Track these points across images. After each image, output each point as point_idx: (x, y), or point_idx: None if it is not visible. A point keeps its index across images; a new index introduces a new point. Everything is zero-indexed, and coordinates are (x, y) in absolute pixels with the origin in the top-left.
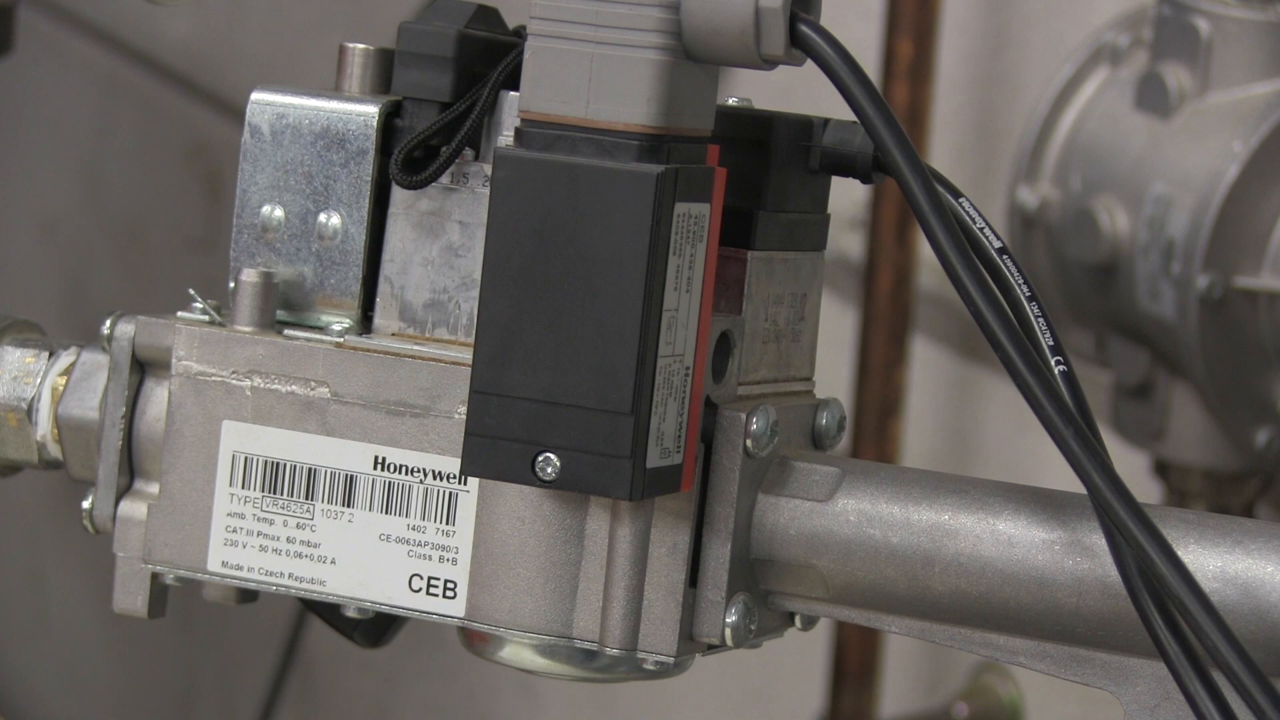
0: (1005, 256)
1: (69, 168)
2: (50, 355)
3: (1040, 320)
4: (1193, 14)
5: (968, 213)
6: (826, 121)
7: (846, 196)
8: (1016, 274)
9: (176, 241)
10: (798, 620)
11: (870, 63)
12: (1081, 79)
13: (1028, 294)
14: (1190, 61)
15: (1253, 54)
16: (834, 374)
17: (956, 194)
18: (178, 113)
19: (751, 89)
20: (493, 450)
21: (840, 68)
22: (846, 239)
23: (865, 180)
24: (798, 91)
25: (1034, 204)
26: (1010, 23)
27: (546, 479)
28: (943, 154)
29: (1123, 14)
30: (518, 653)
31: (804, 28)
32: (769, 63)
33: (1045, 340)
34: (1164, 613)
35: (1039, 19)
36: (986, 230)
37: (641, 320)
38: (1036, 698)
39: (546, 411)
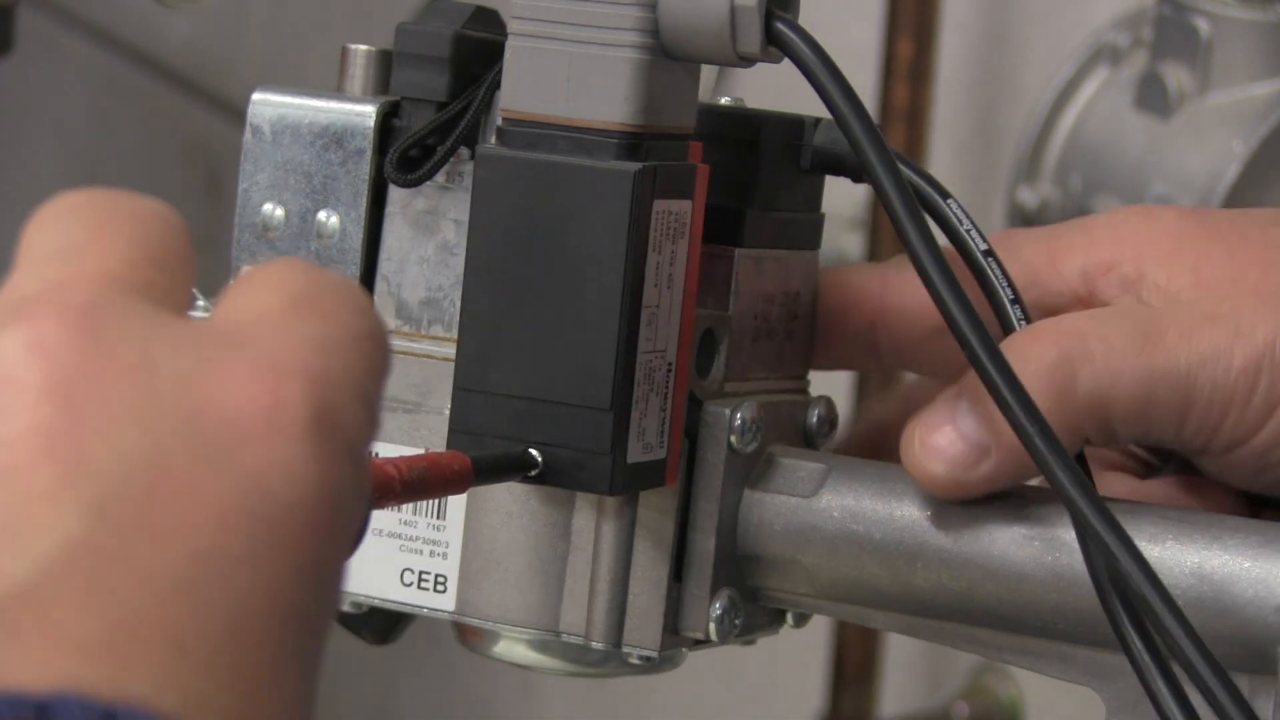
0: (990, 259)
1: (69, 168)
2: None
3: (1023, 324)
4: (1193, 14)
5: (955, 214)
6: (818, 121)
7: (847, 196)
8: (1001, 277)
9: None
10: (790, 618)
11: (870, 63)
12: (1081, 79)
13: (1011, 297)
14: (1190, 61)
15: (1253, 54)
16: (834, 374)
17: (945, 195)
18: (178, 113)
19: (751, 89)
20: (476, 447)
21: (815, 65)
22: (847, 239)
23: (856, 179)
24: (797, 92)
25: (1034, 204)
26: (1010, 22)
27: (529, 475)
28: (943, 154)
29: (1123, 14)
30: (511, 648)
31: (780, 25)
32: (746, 60)
33: None
34: (1129, 609)
35: (1039, 19)
36: (973, 232)
37: (620, 317)
38: (1037, 698)
39: (529, 408)
